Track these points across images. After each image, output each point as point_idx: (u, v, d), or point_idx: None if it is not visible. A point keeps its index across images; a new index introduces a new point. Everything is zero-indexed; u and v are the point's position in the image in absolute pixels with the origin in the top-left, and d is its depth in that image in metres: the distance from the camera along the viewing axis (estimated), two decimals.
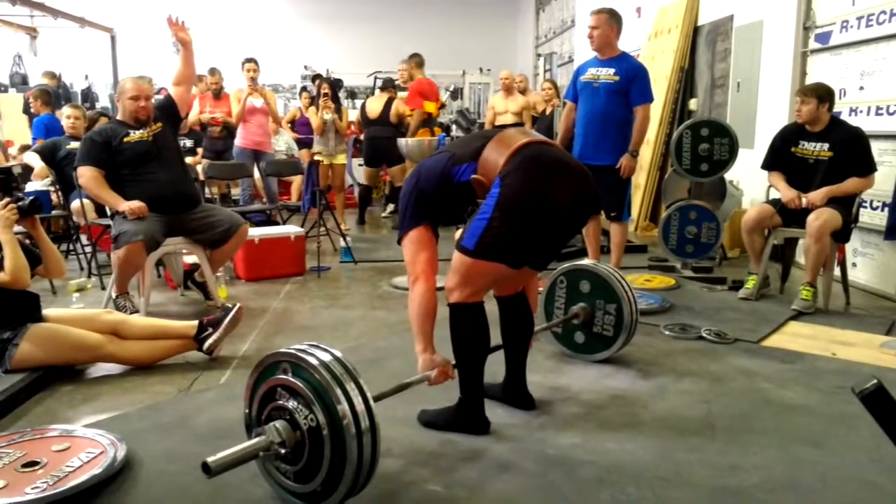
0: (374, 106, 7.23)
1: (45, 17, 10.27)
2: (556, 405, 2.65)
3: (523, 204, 2.13)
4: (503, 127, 7.38)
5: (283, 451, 1.83)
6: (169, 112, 4.07)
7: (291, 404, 1.84)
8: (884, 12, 4.29)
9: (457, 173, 2.26)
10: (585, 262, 3.23)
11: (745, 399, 2.74)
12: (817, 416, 2.57)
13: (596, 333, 3.07)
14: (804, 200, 3.94)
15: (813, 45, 4.99)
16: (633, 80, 4.22)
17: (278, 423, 1.84)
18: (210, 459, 1.67)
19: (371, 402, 1.82)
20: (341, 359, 1.85)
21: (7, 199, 2.95)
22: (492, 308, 2.47)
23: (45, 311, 3.04)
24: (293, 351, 1.87)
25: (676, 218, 4.84)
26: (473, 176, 2.22)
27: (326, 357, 1.84)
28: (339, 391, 1.77)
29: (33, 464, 2.09)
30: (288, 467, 1.89)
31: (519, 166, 2.14)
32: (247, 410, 1.98)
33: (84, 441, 2.24)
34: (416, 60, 7.25)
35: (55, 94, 7.86)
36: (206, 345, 3.14)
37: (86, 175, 3.81)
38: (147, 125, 3.91)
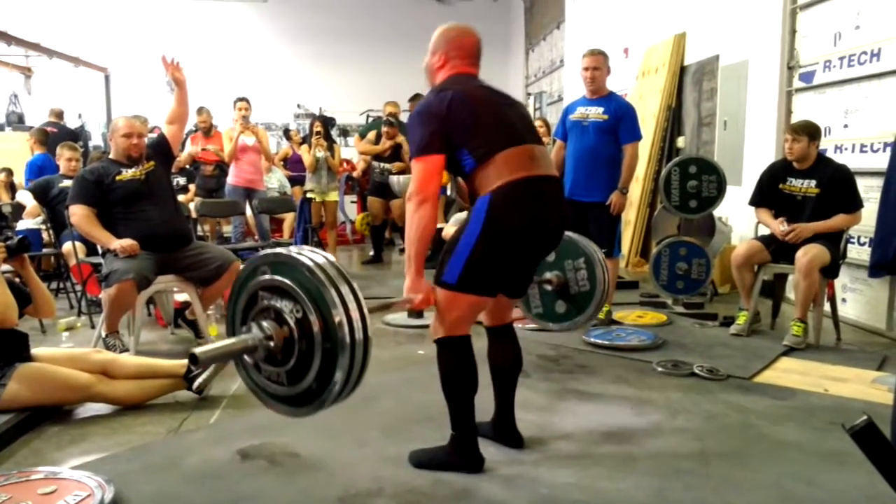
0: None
1: (40, 56, 10.37)
2: (549, 443, 2.63)
3: (507, 241, 2.20)
4: None
5: (271, 344, 1.81)
6: (162, 150, 4.09)
7: (276, 303, 1.83)
8: (864, 53, 4.39)
9: (461, 156, 2.24)
10: None
11: (739, 436, 2.73)
12: (811, 452, 2.57)
13: (574, 294, 3.06)
14: (792, 232, 3.97)
15: (797, 84, 5.09)
16: (621, 118, 4.29)
17: (264, 322, 1.84)
18: (197, 350, 1.72)
19: (356, 286, 1.81)
20: (315, 249, 1.87)
21: None
22: (479, 346, 2.48)
23: (34, 351, 3.01)
24: (267, 252, 1.89)
25: (667, 254, 4.87)
26: (460, 183, 2.26)
27: (301, 250, 1.86)
28: (324, 278, 1.77)
29: None
30: (278, 369, 1.85)
31: (510, 202, 2.18)
32: (229, 316, 1.98)
33: (71, 483, 2.21)
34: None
35: (64, 134, 7.87)
36: (196, 384, 3.11)
37: (77, 214, 3.82)
38: (139, 163, 3.93)
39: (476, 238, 2.19)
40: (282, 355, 1.83)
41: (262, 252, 1.91)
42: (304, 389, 1.82)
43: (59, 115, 8.66)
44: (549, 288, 3.09)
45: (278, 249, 1.88)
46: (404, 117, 7.70)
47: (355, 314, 1.78)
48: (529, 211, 2.22)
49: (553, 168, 2.40)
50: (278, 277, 1.82)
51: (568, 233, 3.04)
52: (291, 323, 1.80)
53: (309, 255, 1.83)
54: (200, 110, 7.30)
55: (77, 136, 8.41)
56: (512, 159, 2.23)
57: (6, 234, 3.08)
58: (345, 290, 1.78)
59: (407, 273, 2.29)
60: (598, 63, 4.35)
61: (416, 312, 4.66)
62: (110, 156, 4.06)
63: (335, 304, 1.75)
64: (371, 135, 7.34)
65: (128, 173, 3.89)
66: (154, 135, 5.00)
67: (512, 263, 2.30)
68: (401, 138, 6.94)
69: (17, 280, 3.13)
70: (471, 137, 2.22)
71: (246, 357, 1.89)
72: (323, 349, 1.77)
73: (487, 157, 2.22)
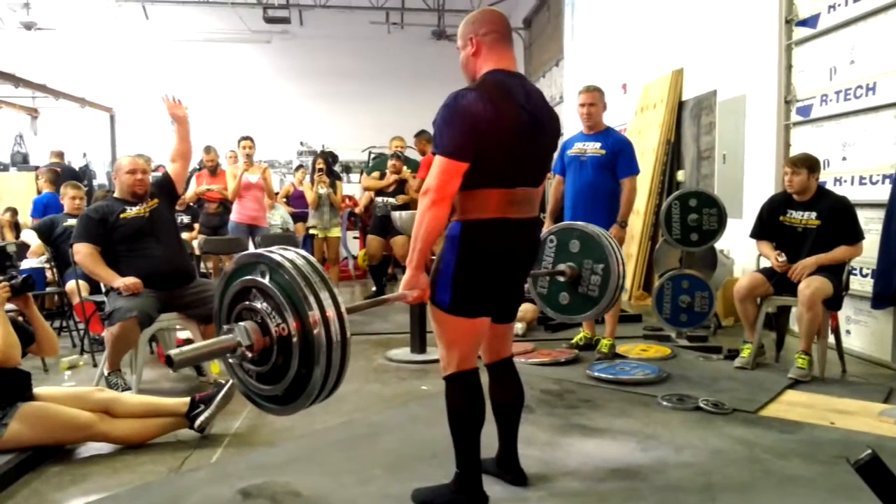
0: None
1: (46, 97, 10.54)
2: (553, 479, 2.61)
3: (481, 265, 2.26)
4: None
5: (249, 354, 1.82)
6: (166, 188, 4.12)
7: (263, 306, 1.83)
8: (860, 87, 4.45)
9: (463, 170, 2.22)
10: (577, 222, 3.24)
11: (746, 471, 2.70)
12: (818, 487, 2.54)
13: (581, 293, 3.04)
14: (796, 272, 3.97)
15: (795, 117, 5.14)
16: (618, 153, 4.33)
17: (248, 325, 1.83)
18: (173, 352, 1.70)
19: (344, 312, 1.81)
20: (315, 265, 1.87)
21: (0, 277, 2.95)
22: (484, 381, 2.46)
23: (36, 390, 3.01)
24: (269, 254, 1.87)
25: (669, 287, 4.87)
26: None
27: (304, 266, 1.84)
28: (312, 299, 1.77)
29: None
30: (252, 367, 1.88)
31: (480, 237, 2.24)
32: (217, 302, 1.98)
33: None
34: (427, 136, 7.12)
35: (67, 172, 7.97)
36: (198, 422, 3.10)
37: (81, 252, 3.84)
38: (144, 200, 3.97)
39: (454, 266, 2.24)
40: (259, 359, 1.86)
41: (268, 249, 1.90)
42: (272, 395, 1.87)
43: (60, 155, 8.78)
44: (561, 278, 3.07)
45: (281, 257, 1.86)
46: (410, 153, 7.77)
47: (335, 327, 1.79)
48: (498, 243, 2.27)
49: (534, 209, 2.39)
50: (272, 286, 1.82)
51: (598, 230, 3.04)
52: (273, 336, 1.82)
53: (308, 271, 1.84)
54: (208, 149, 7.39)
55: (80, 175, 8.50)
56: (495, 199, 2.25)
57: (10, 272, 3.08)
58: (331, 314, 1.80)
59: (408, 266, 2.27)
60: (593, 99, 4.42)
61: (420, 348, 4.65)
62: (115, 194, 4.09)
63: (316, 321, 1.76)
64: (375, 173, 7.38)
65: (132, 211, 3.92)
66: (158, 173, 5.04)
67: (492, 284, 2.32)
68: (406, 173, 6.98)
69: (20, 319, 3.14)
70: (476, 166, 2.21)
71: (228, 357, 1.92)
72: (298, 373, 1.80)
73: (475, 188, 2.24)
